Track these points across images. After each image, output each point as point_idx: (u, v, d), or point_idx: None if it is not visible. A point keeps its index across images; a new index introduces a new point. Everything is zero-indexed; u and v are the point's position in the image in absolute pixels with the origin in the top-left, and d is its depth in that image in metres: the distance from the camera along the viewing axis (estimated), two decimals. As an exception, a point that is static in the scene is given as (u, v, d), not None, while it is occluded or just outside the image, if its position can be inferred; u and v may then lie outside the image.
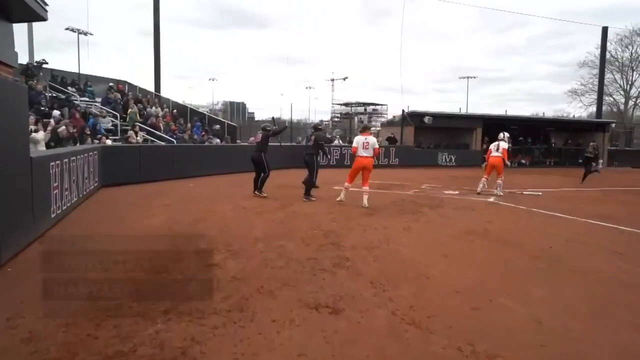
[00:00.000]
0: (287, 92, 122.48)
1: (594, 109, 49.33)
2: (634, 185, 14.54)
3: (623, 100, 43.60)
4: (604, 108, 48.48)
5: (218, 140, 18.46)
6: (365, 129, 9.23)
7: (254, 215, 7.38)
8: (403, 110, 21.82)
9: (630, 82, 42.13)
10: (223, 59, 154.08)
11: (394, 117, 22.49)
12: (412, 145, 21.71)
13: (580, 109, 48.16)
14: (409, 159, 20.57)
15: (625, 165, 25.11)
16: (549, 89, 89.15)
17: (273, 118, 12.52)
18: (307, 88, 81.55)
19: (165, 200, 8.73)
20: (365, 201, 8.45)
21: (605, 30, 25.99)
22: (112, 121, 15.06)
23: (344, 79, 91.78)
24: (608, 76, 48.11)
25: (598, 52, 47.93)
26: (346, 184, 8.93)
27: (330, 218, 7.26)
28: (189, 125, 18.19)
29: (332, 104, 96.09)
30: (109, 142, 12.93)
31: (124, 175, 11.04)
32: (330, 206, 8.46)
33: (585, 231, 6.86)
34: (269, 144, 9.90)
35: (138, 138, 14.44)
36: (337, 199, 8.88)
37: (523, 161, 23.68)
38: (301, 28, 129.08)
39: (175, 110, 19.69)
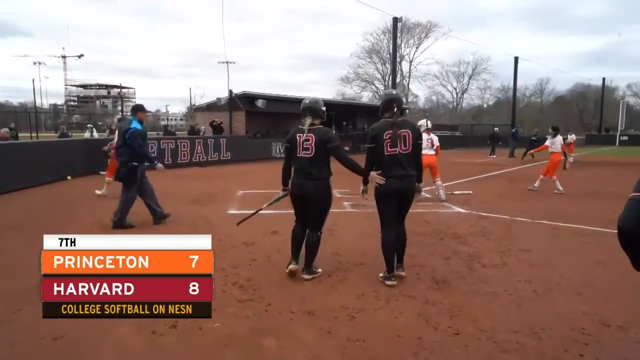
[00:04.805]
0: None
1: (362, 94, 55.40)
2: (487, 169, 14.87)
3: (383, 88, 49.91)
4: (369, 95, 54.95)
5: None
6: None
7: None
8: (231, 91, 17.42)
9: (389, 72, 48.28)
10: None
11: (218, 99, 17.84)
12: (244, 134, 17.78)
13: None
14: (243, 152, 16.59)
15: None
16: (285, 77, 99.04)
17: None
18: (35, 64, 61.97)
19: None
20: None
21: (395, 20, 27.55)
22: None
23: (79, 56, 75.43)
24: (371, 66, 54.64)
25: (364, 43, 53.61)
26: None
27: None
28: None
29: (66, 85, 79.91)
30: None
31: None
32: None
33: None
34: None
35: None
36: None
37: (347, 148, 22.90)
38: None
39: None
